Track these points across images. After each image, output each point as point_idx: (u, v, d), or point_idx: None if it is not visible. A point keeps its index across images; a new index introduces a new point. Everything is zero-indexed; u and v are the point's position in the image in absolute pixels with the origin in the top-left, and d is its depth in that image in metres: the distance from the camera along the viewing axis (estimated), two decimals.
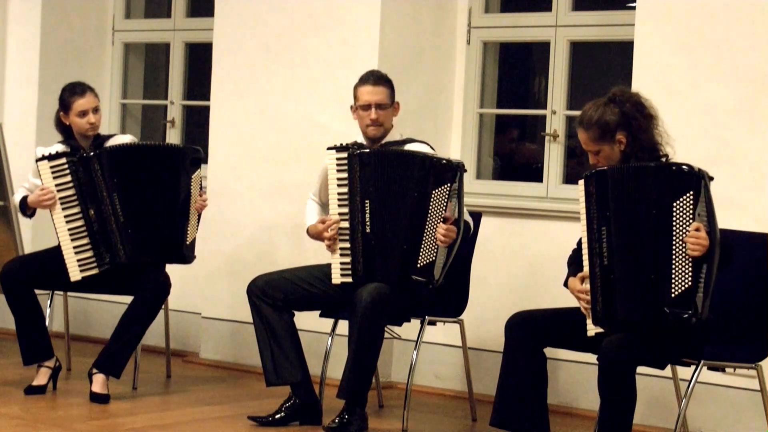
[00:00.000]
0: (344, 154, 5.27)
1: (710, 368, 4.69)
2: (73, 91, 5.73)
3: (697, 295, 4.30)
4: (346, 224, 5.27)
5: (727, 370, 4.75)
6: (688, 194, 4.30)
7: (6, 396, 5.64)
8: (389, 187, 5.22)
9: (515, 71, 7.52)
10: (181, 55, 7.56)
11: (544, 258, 6.05)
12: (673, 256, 4.32)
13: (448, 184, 5.11)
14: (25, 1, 7.58)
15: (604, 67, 7.37)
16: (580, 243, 4.67)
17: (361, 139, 5.41)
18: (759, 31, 5.44)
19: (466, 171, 5.23)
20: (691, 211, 4.30)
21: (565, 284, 4.75)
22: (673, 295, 4.33)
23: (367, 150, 5.29)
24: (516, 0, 6.92)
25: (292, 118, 6.61)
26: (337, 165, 5.28)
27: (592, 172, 4.52)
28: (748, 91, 5.43)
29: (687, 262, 4.30)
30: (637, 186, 4.41)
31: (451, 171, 5.12)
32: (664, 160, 4.57)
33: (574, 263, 4.76)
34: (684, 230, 4.30)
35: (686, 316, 4.30)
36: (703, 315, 4.32)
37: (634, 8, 5.82)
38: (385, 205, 5.23)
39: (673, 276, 4.33)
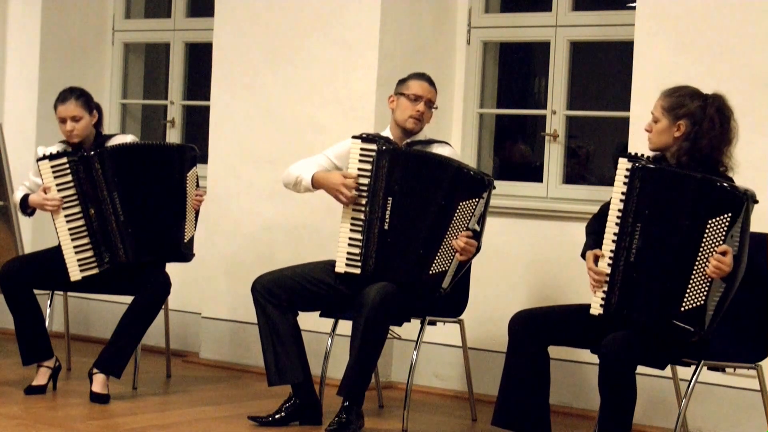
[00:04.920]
0: (372, 146, 5.22)
1: (710, 368, 4.68)
2: (59, 96, 5.73)
3: (707, 314, 4.31)
4: (360, 215, 5.25)
5: (727, 370, 4.75)
6: (725, 215, 4.27)
7: (6, 396, 5.64)
8: (416, 189, 5.18)
9: (515, 71, 7.52)
10: (181, 55, 7.56)
11: (544, 258, 6.05)
12: (693, 272, 4.32)
13: (477, 199, 5.08)
14: (25, 1, 7.58)
15: (604, 67, 7.38)
16: (601, 212, 4.66)
17: (384, 133, 5.39)
18: (759, 32, 5.44)
19: (495, 188, 5.19)
20: (724, 233, 4.27)
21: (583, 255, 4.71)
22: (682, 309, 4.33)
23: (401, 148, 5.27)
24: (516, 0, 6.92)
25: (292, 118, 6.61)
26: (361, 155, 5.25)
27: (641, 165, 4.45)
28: (748, 91, 5.43)
29: (705, 280, 4.30)
30: (681, 192, 4.37)
31: (483, 186, 5.09)
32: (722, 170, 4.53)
33: (594, 233, 4.72)
34: (711, 250, 4.28)
35: (688, 332, 4.32)
36: (707, 334, 4.33)
37: (634, 8, 5.82)
38: (408, 206, 5.18)
39: (688, 291, 4.32)
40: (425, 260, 5.14)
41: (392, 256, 5.20)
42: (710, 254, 4.28)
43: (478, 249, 5.15)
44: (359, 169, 5.24)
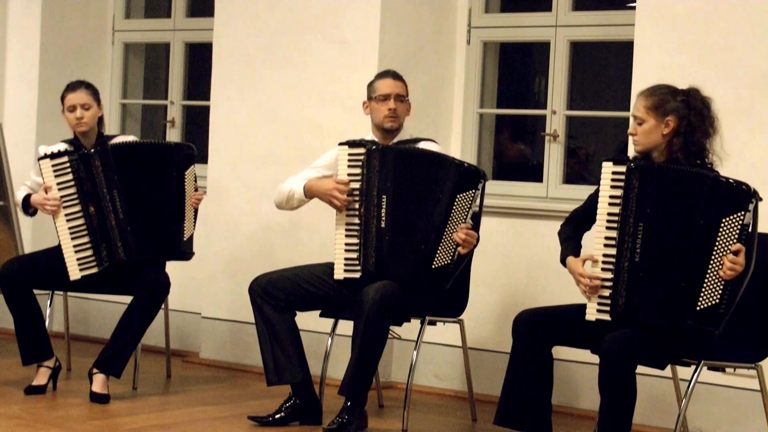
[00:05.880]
0: (360, 150, 5.25)
1: (710, 368, 4.68)
2: (68, 86, 5.79)
3: (719, 312, 4.31)
4: (355, 220, 5.25)
5: (727, 370, 4.75)
6: (739, 213, 4.27)
7: (6, 396, 5.64)
8: (411, 185, 5.19)
9: (515, 71, 7.52)
10: (181, 55, 7.56)
11: (544, 258, 6.05)
12: (708, 270, 4.31)
13: (473, 191, 5.10)
14: (25, 1, 7.58)
15: (604, 67, 7.37)
16: (573, 216, 4.66)
17: (369, 138, 5.40)
18: (759, 32, 5.44)
19: (487, 180, 5.21)
20: (737, 231, 4.27)
21: (562, 261, 4.71)
22: (698, 308, 4.32)
23: (389, 146, 5.28)
24: (516, 0, 6.92)
25: (292, 118, 6.61)
26: (349, 161, 5.26)
27: (639, 165, 4.44)
28: (748, 91, 5.43)
29: (719, 279, 4.29)
30: (690, 190, 4.36)
31: (478, 178, 5.11)
32: (710, 166, 4.52)
33: (570, 238, 4.72)
34: (726, 248, 4.28)
35: (706, 331, 4.32)
36: (719, 331, 4.34)
37: (634, 8, 5.82)
38: (404, 203, 5.19)
39: (703, 289, 4.31)
40: (427, 255, 5.14)
41: (392, 254, 5.20)
42: (724, 252, 4.28)
43: (477, 240, 5.16)
44: (349, 174, 5.25)
